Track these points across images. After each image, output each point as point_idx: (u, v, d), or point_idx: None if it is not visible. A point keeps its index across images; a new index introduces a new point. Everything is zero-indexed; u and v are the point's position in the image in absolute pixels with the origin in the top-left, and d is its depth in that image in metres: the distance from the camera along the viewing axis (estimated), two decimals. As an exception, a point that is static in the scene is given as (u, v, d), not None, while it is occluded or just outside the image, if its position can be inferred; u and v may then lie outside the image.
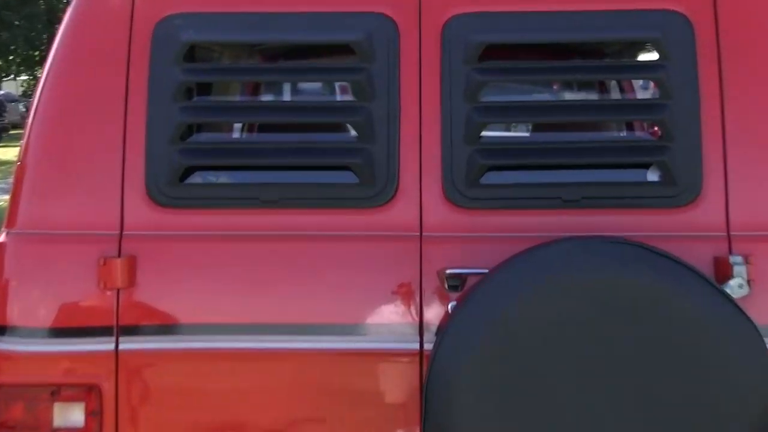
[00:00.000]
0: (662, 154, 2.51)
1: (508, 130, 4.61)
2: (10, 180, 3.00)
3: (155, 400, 2.49)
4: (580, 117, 2.62)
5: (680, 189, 2.51)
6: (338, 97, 5.06)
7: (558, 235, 2.38)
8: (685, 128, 2.51)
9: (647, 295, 2.20)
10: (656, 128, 2.61)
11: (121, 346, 2.47)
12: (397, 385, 2.46)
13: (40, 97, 2.58)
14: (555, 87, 4.22)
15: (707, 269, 2.43)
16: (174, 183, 2.53)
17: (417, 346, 2.46)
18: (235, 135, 3.64)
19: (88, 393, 2.45)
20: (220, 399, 2.49)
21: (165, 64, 2.55)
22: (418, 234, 2.51)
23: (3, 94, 31.89)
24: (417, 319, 2.46)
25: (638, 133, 3.39)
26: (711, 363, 2.20)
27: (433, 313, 2.46)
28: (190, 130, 2.66)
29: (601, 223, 2.49)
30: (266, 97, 3.99)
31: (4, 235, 2.54)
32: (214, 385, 2.48)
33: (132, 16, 2.59)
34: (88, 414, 2.44)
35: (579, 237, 2.35)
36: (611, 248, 2.27)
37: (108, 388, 2.46)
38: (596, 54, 3.29)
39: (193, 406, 2.48)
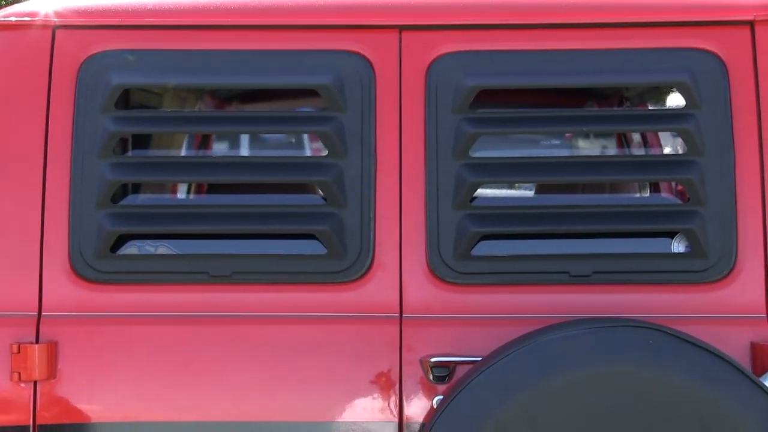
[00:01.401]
0: (690, 221, 2.59)
1: (509, 188, 4.70)
2: None
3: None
4: (593, 176, 2.71)
5: (711, 262, 2.58)
6: (307, 152, 5.16)
7: (564, 317, 2.46)
8: (717, 190, 2.59)
9: (672, 392, 2.26)
10: (683, 190, 2.69)
11: None
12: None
13: None
14: (563, 140, 4.34)
15: (743, 359, 2.49)
16: (103, 254, 2.59)
17: (396, 448, 2.52)
18: (180, 196, 3.71)
19: None
20: None
21: (92, 112, 2.62)
22: (398, 315, 2.57)
23: None
24: (397, 415, 2.52)
25: (662, 196, 3.47)
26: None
27: (416, 409, 2.52)
28: (125, 190, 2.72)
29: (616, 302, 2.57)
30: (218, 151, 4.07)
31: None
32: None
33: (52, 55, 2.64)
34: None
35: (589, 320, 2.42)
36: (628, 334, 2.33)
37: None
38: (612, 101, 3.40)
39: None
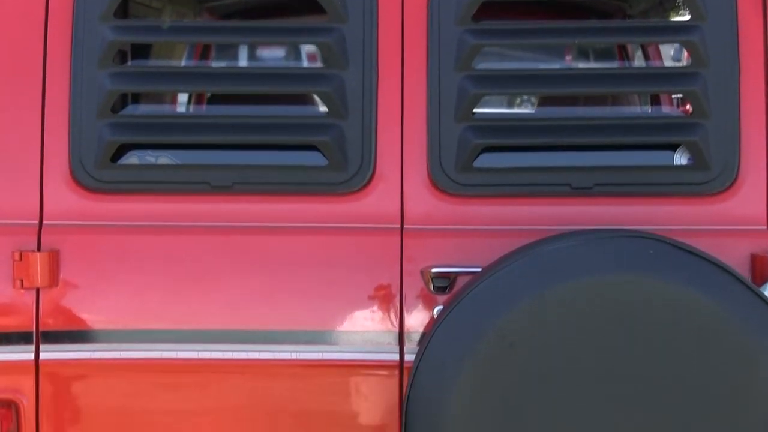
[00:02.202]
0: (693, 133, 2.60)
1: (510, 106, 4.71)
2: None
3: (83, 419, 2.58)
4: (596, 88, 2.72)
5: (713, 174, 2.60)
6: (305, 64, 5.15)
7: (565, 228, 2.47)
8: (721, 102, 2.59)
9: (672, 301, 2.28)
10: (686, 102, 2.70)
11: (42, 356, 2.55)
12: (373, 404, 2.56)
13: None
14: (567, 54, 4.33)
15: (743, 270, 2.51)
16: (104, 164, 2.61)
17: (397, 357, 2.55)
18: (180, 108, 3.72)
19: (3, 410, 2.54)
20: (160, 419, 2.58)
21: (91, 21, 2.61)
22: (399, 226, 2.60)
23: None
24: (397, 325, 2.56)
25: (664, 109, 3.49)
26: (750, 381, 2.28)
27: (416, 319, 2.55)
28: (124, 100, 2.73)
29: (617, 214, 2.59)
30: (218, 63, 4.07)
31: None
32: (153, 403, 2.57)
33: None
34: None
35: (590, 231, 2.44)
36: (629, 245, 2.35)
37: (27, 404, 2.55)
38: (617, 14, 3.39)
39: (127, 428, 2.57)
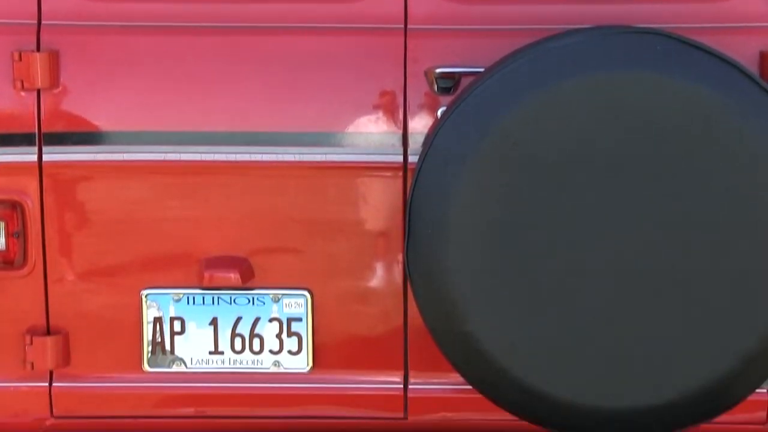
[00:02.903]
0: None
1: None
2: None
3: (87, 221, 2.61)
4: None
5: None
6: None
7: (571, 26, 2.44)
8: None
9: (681, 98, 2.27)
10: None
11: (45, 158, 2.56)
12: (377, 205, 2.59)
13: None
14: None
15: (752, 66, 2.49)
16: None
17: (400, 158, 2.56)
18: None
19: (8, 211, 2.57)
20: (163, 221, 2.61)
21: None
22: (403, 27, 2.56)
23: None
24: (401, 127, 2.56)
25: None
26: (758, 183, 2.29)
27: (420, 121, 2.55)
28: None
29: (624, 12, 2.54)
30: None
31: None
32: (156, 205, 2.60)
33: None
34: (10, 235, 2.57)
35: (596, 28, 2.40)
36: (636, 41, 2.32)
37: (32, 206, 2.58)
38: None
39: (131, 229, 2.60)
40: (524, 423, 2.48)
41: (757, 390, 2.45)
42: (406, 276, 2.47)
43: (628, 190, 2.28)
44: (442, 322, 2.36)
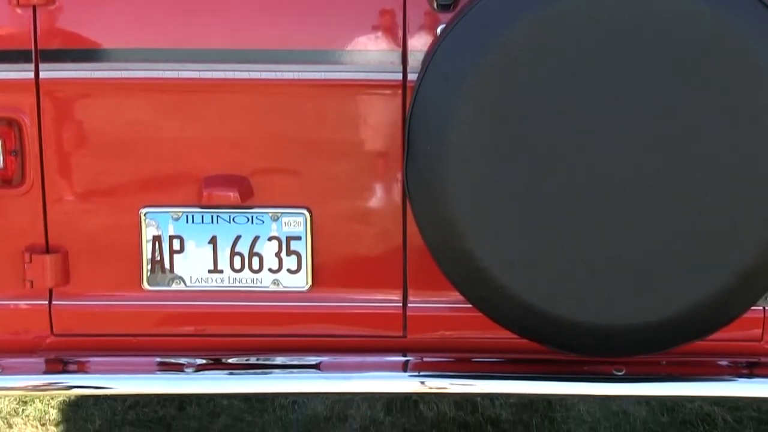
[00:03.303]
0: None
1: None
2: None
3: (85, 138, 2.61)
4: None
5: None
6: None
7: None
8: None
9: (681, 13, 2.25)
10: None
11: (42, 75, 2.54)
12: (376, 123, 2.58)
13: None
14: None
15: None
16: None
17: (399, 76, 2.55)
18: None
19: (6, 129, 2.56)
20: (162, 139, 2.61)
21: None
22: None
23: None
24: (400, 44, 2.54)
25: None
26: (758, 94, 2.28)
27: (419, 39, 2.53)
28: None
29: None
30: None
31: None
32: (155, 123, 2.60)
33: None
34: (7, 153, 2.56)
35: None
36: None
37: (29, 124, 2.57)
38: None
39: (129, 147, 2.60)
40: (523, 341, 2.51)
41: (753, 307, 2.47)
42: (405, 194, 2.49)
43: (629, 107, 2.28)
44: (441, 239, 2.38)
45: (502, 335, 2.54)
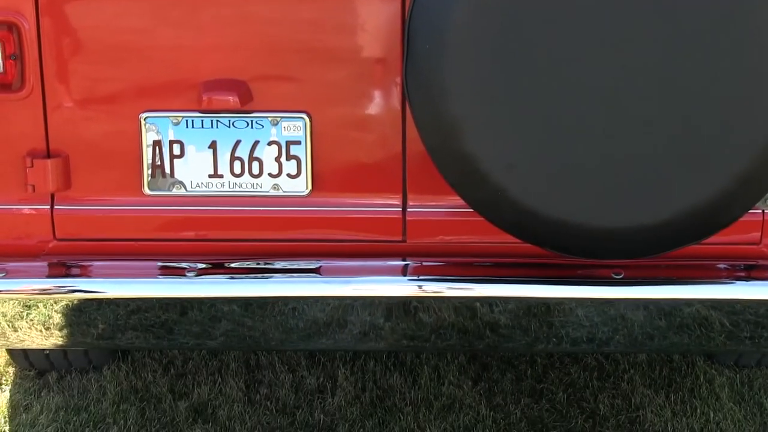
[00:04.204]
0: None
1: None
2: None
3: (84, 43, 2.62)
4: None
5: None
6: None
7: None
8: None
9: None
10: None
11: None
12: (376, 29, 2.58)
13: None
14: None
15: None
16: None
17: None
18: None
19: (5, 33, 2.56)
20: (162, 44, 2.62)
21: None
22: None
23: None
24: None
25: None
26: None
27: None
28: None
29: None
30: None
31: None
32: (155, 27, 2.60)
33: None
34: (7, 58, 2.56)
35: None
36: None
37: (28, 27, 2.56)
38: None
39: (129, 52, 2.60)
40: (523, 245, 2.54)
41: (752, 210, 2.50)
42: (405, 98, 2.50)
43: (628, 4, 2.28)
44: (440, 141, 2.40)
45: (502, 240, 2.56)
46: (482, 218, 2.50)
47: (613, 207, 2.41)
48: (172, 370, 3.64)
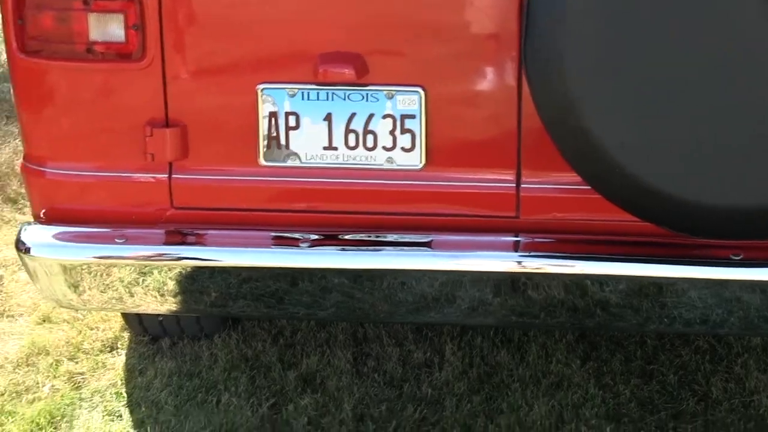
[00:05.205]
0: None
1: None
2: None
3: (205, 14, 2.66)
4: None
5: None
6: None
7: None
8: None
9: None
10: None
11: None
12: (491, 4, 2.57)
13: None
14: None
15: None
16: None
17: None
18: None
19: (127, 3, 2.60)
20: (280, 17, 2.64)
21: None
22: None
23: None
24: None
25: None
26: None
27: None
28: None
29: None
30: None
31: None
32: (273, 1, 2.64)
33: None
34: (129, 27, 2.62)
35: None
36: None
37: None
38: None
39: (247, 24, 2.64)
40: (638, 223, 2.53)
41: None
42: (521, 72, 2.49)
43: None
44: (557, 115, 2.38)
45: (616, 217, 2.54)
46: (597, 195, 2.48)
47: (732, 186, 2.36)
48: (281, 341, 3.69)
